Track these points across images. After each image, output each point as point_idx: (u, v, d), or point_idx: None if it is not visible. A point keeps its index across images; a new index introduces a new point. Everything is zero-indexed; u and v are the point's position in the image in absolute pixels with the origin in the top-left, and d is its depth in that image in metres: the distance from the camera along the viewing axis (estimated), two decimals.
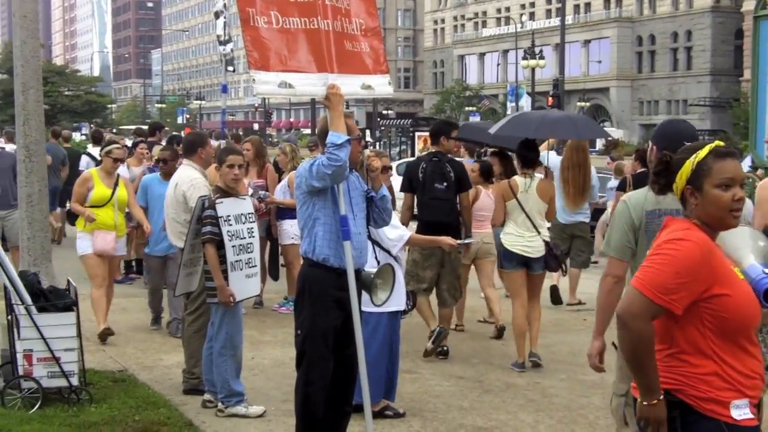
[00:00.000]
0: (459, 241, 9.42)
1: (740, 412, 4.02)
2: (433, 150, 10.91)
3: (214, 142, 11.74)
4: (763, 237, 4.46)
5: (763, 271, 4.17)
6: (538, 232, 10.43)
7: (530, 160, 10.65)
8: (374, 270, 7.20)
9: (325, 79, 6.99)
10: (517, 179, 10.58)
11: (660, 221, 5.10)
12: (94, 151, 19.16)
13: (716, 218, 4.13)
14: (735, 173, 4.13)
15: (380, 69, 7.62)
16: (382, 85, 7.58)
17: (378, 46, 7.63)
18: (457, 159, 11.62)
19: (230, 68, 15.51)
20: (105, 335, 10.95)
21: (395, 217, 8.33)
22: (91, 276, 11.16)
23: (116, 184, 11.21)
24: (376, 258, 7.80)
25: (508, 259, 10.52)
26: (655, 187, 4.36)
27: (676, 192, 4.26)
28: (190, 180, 9.17)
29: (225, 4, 15.06)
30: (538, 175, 10.75)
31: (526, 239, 10.39)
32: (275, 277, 13.79)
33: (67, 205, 16.38)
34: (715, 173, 4.11)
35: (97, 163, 14.95)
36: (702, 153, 4.15)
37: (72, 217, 12.48)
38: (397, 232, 8.33)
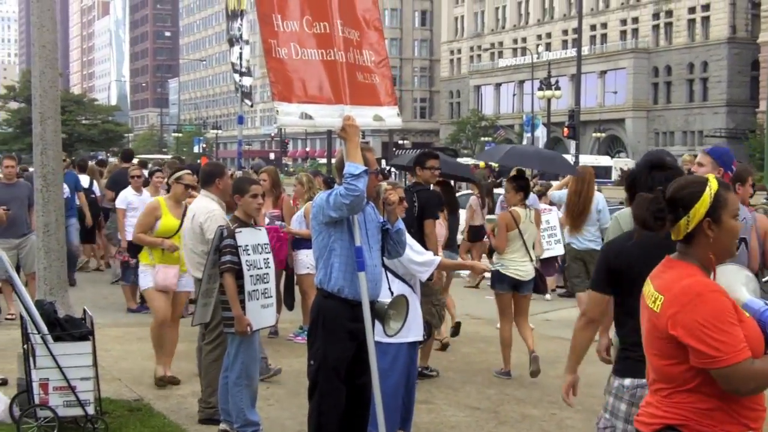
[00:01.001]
0: (491, 267, 9.65)
1: None
2: (412, 181, 11.34)
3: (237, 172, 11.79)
4: (746, 271, 4.44)
5: (765, 303, 4.15)
6: (531, 259, 11.36)
7: (526, 190, 11.77)
8: (388, 300, 7.20)
9: (341, 111, 7.03)
10: (519, 210, 11.43)
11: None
12: (83, 179, 19.60)
13: (729, 248, 4.13)
14: (738, 204, 4.21)
15: (390, 100, 7.67)
16: (391, 117, 7.63)
17: (387, 77, 7.66)
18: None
19: (247, 102, 15.49)
20: (164, 382, 10.47)
21: (416, 243, 8.36)
22: (152, 310, 10.82)
23: (184, 215, 10.17)
24: (389, 289, 7.80)
25: (500, 281, 11.36)
26: (658, 224, 4.20)
27: (682, 228, 4.15)
28: (207, 211, 9.18)
29: (241, 35, 15.07)
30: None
31: (518, 264, 11.27)
32: (290, 307, 13.78)
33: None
34: (731, 204, 4.10)
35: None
36: (714, 184, 4.12)
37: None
38: (424, 257, 8.30)
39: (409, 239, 8.25)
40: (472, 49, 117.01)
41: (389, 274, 7.94)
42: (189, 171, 10.83)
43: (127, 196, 15.50)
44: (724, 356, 3.88)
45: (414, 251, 8.16)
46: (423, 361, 11.35)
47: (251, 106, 16.18)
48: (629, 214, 5.51)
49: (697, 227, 4.12)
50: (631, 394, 5.53)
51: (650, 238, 4.69)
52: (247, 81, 15.27)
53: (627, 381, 5.53)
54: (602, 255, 5.82)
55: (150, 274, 10.43)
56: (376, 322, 7.12)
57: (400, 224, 7.34)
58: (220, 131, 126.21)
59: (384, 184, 7.59)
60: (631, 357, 5.38)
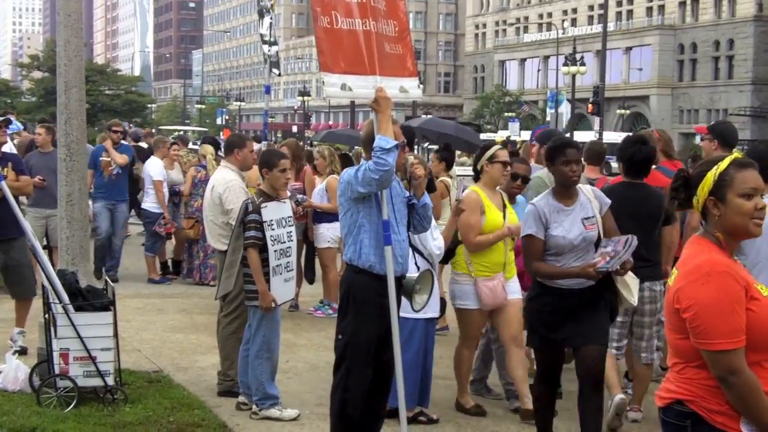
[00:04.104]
0: None
1: (750, 428, 4.01)
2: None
3: (255, 145, 11.70)
4: None
5: None
6: None
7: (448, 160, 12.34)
8: (415, 276, 7.18)
9: (375, 82, 6.96)
10: (447, 180, 11.97)
11: None
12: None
13: (739, 227, 4.16)
14: (756, 183, 4.19)
15: (413, 71, 7.61)
16: (414, 88, 7.57)
17: (409, 48, 7.60)
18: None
19: (275, 71, 15.46)
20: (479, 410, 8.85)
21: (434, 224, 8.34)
22: (464, 336, 8.85)
23: (505, 206, 8.66)
24: (416, 264, 7.78)
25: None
26: (674, 202, 4.36)
27: (696, 206, 4.28)
28: (225, 182, 9.18)
29: (272, 5, 15.03)
30: None
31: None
32: (311, 281, 13.79)
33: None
34: (738, 183, 4.15)
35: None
36: (723, 164, 4.19)
37: (446, 254, 8.69)
38: (439, 241, 8.33)
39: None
40: (497, 23, 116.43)
41: (413, 251, 7.92)
42: (501, 147, 8.94)
43: (161, 168, 15.70)
44: (712, 340, 3.97)
45: (431, 236, 8.17)
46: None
47: (279, 74, 16.15)
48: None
49: (706, 205, 4.23)
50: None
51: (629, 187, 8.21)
52: (274, 49, 15.27)
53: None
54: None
55: (470, 287, 8.54)
56: (403, 298, 7.11)
57: (426, 199, 7.29)
58: (243, 103, 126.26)
59: (411, 158, 7.55)
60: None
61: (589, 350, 7.22)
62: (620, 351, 8.62)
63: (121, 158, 15.50)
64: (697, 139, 74.49)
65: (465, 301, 8.56)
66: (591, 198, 7.40)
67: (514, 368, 8.66)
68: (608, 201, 7.47)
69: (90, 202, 14.52)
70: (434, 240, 8.22)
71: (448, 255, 8.64)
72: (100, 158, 15.48)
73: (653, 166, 8.68)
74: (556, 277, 7.26)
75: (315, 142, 25.12)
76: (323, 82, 6.90)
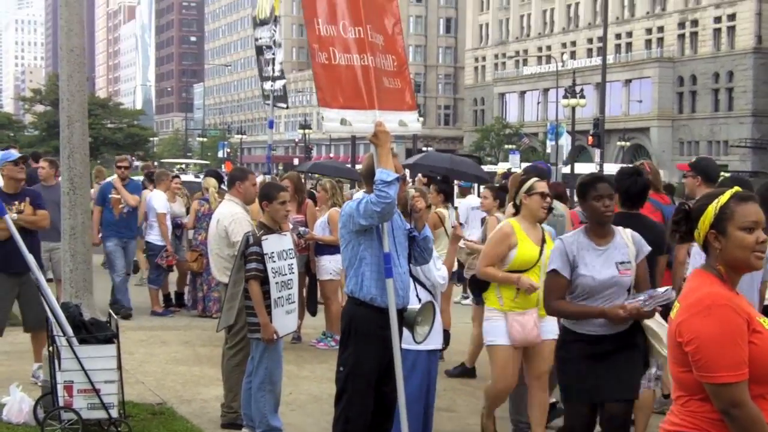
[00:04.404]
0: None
1: None
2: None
3: (259, 178, 11.77)
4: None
5: None
6: None
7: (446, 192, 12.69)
8: (417, 307, 7.22)
9: (374, 116, 7.02)
10: (443, 211, 12.33)
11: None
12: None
13: (740, 260, 4.16)
14: (758, 216, 4.17)
15: (411, 105, 7.68)
16: (413, 122, 7.63)
17: (408, 81, 7.66)
18: None
19: (282, 105, 15.57)
20: None
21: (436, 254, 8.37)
22: (495, 376, 8.35)
23: (543, 240, 8.26)
24: (417, 296, 7.81)
25: None
26: (675, 236, 4.38)
27: (697, 239, 4.27)
28: (231, 215, 9.25)
29: (275, 41, 15.12)
30: None
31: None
32: (313, 313, 13.82)
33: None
34: (739, 216, 4.15)
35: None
36: (724, 198, 4.19)
37: (478, 286, 8.53)
38: (443, 271, 8.32)
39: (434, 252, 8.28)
40: (496, 56, 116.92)
41: (415, 283, 7.96)
42: (538, 179, 8.51)
43: (164, 201, 15.75)
44: (715, 373, 3.95)
45: (434, 266, 8.18)
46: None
47: (287, 107, 16.26)
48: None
49: (707, 239, 4.23)
50: None
51: (624, 218, 7.80)
52: (279, 84, 15.34)
53: None
54: None
55: (501, 323, 8.15)
56: (405, 330, 7.15)
57: (427, 231, 7.35)
58: (244, 136, 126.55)
59: (411, 191, 7.60)
60: None
61: (613, 408, 6.76)
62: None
63: (133, 200, 15.38)
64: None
65: (494, 337, 8.14)
66: (629, 242, 6.95)
67: (531, 408, 8.36)
68: (648, 249, 7.05)
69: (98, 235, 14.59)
70: (437, 270, 8.24)
71: (481, 289, 8.35)
72: (110, 195, 15.36)
73: None
74: (577, 316, 6.77)
75: (312, 174, 25.10)
76: (323, 117, 6.97)
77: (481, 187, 15.26)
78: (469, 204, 16.79)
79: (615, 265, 6.76)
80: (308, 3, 7.01)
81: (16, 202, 10.27)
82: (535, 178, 8.33)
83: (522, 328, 7.98)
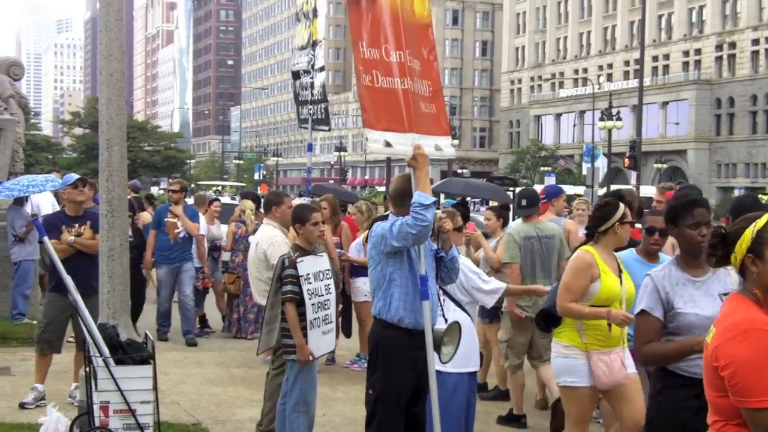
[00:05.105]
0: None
1: None
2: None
3: (298, 200, 11.81)
4: None
5: None
6: None
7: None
8: (443, 328, 7.22)
9: (413, 139, 7.04)
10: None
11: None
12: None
13: None
14: None
15: (446, 130, 7.71)
16: (447, 146, 7.65)
17: (442, 107, 7.70)
18: None
19: (324, 127, 15.68)
20: None
21: (481, 271, 8.39)
22: (572, 419, 7.54)
23: (621, 271, 7.53)
24: (443, 316, 7.76)
25: None
26: (712, 260, 4.35)
27: (734, 263, 4.23)
28: (269, 238, 9.33)
29: (314, 65, 15.23)
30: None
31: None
32: (348, 334, 13.85)
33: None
34: None
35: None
36: (761, 221, 4.14)
37: (548, 320, 7.70)
38: (491, 285, 8.26)
39: (475, 267, 8.29)
40: (532, 79, 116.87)
41: (450, 302, 7.96)
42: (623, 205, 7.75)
43: (203, 224, 15.79)
44: (751, 398, 3.90)
45: (481, 279, 8.15)
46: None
47: (329, 130, 16.38)
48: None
49: (744, 263, 4.18)
50: None
51: None
52: (321, 107, 15.45)
53: None
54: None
55: (584, 362, 7.38)
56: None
57: (455, 252, 7.38)
58: (280, 158, 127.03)
59: (438, 212, 7.63)
60: None
61: None
62: None
63: (194, 228, 15.18)
64: (736, 193, 74.18)
65: (574, 378, 7.33)
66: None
67: None
68: None
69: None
70: (485, 282, 8.18)
71: (553, 323, 7.64)
72: (166, 219, 15.20)
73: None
74: (673, 357, 5.68)
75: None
76: (367, 138, 7.01)
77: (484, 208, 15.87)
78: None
79: (719, 297, 5.72)
80: (354, 25, 7.07)
81: (76, 225, 10.43)
82: (623, 206, 7.61)
83: (608, 369, 7.22)
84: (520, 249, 10.62)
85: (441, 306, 7.74)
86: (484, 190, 19.25)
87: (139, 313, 14.39)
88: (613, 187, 56.39)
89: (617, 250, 7.67)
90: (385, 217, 11.02)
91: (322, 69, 15.51)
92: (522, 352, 10.73)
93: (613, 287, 7.25)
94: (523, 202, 10.94)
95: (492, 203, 18.39)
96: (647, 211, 9.24)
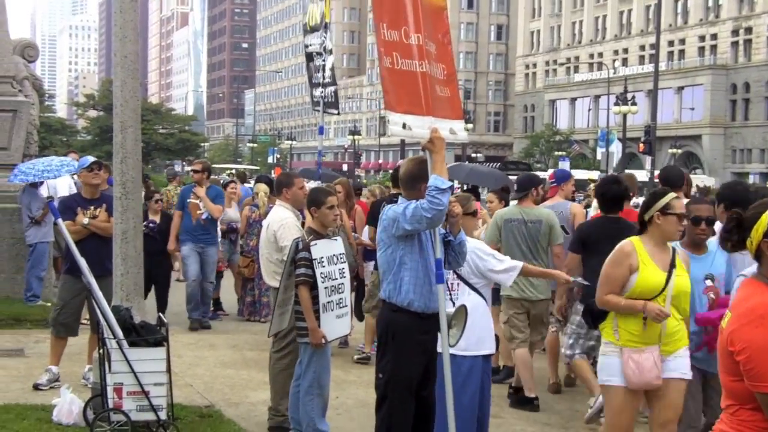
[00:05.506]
0: (573, 279, 9.07)
1: None
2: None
3: (311, 184, 11.77)
4: None
5: None
6: None
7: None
8: (451, 311, 7.19)
9: (430, 123, 7.00)
10: None
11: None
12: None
13: None
14: None
15: (460, 115, 7.69)
16: (461, 131, 7.62)
17: (456, 91, 7.67)
18: None
19: (333, 111, 15.63)
20: None
21: (497, 252, 8.39)
22: (609, 421, 7.22)
23: (672, 264, 7.02)
24: (451, 299, 7.72)
25: None
26: (728, 244, 4.34)
27: (750, 248, 4.22)
28: (280, 220, 9.30)
29: (325, 48, 15.18)
30: None
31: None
32: (360, 318, 13.85)
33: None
34: None
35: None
36: None
37: (593, 315, 7.37)
38: (505, 264, 8.24)
39: (489, 249, 8.26)
40: (547, 63, 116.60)
41: (464, 286, 7.95)
42: (677, 196, 7.25)
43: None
44: (766, 383, 3.91)
45: (496, 259, 8.13)
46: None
47: (338, 113, 16.31)
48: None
49: (760, 247, 4.18)
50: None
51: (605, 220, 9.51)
52: (330, 90, 15.38)
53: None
54: (577, 230, 9.86)
55: (617, 360, 7.04)
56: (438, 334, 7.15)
57: (463, 236, 7.36)
58: (294, 142, 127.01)
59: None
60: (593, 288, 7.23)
61: None
62: (581, 355, 9.98)
63: (217, 210, 14.98)
64: (751, 179, 73.96)
65: (608, 377, 7.06)
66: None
67: None
68: None
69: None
70: (500, 261, 8.17)
71: (596, 319, 7.33)
72: (188, 200, 15.09)
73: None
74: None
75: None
76: (388, 120, 6.98)
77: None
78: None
79: None
80: (376, 6, 7.05)
81: (92, 207, 10.45)
82: (673, 194, 7.16)
83: (638, 368, 6.87)
84: (500, 231, 10.86)
85: (449, 290, 7.73)
86: (487, 177, 19.44)
87: (165, 304, 14.39)
88: (627, 173, 56.27)
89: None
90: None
91: (330, 52, 15.44)
92: (521, 327, 10.77)
93: (651, 281, 6.89)
94: (515, 187, 11.41)
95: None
96: (690, 199, 9.16)
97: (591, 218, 10.32)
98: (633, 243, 7.01)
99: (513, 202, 11.81)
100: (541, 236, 10.80)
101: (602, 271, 7.14)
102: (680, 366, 6.94)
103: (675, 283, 6.90)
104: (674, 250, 7.09)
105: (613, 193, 9.67)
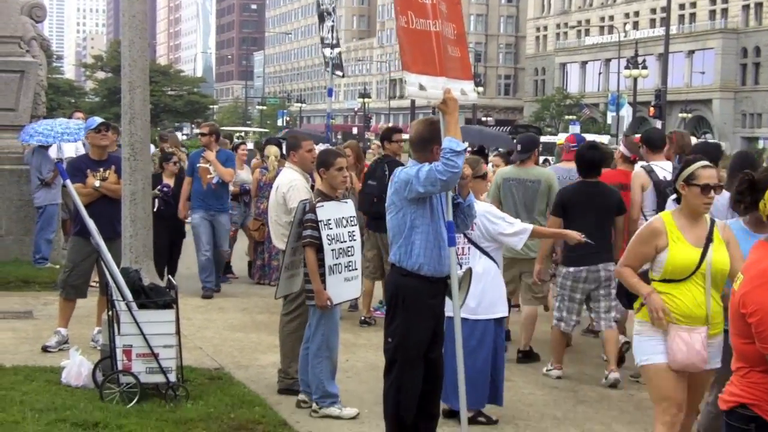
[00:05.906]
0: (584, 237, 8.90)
1: None
2: (383, 153, 12.69)
3: (320, 147, 11.69)
4: None
5: None
6: None
7: None
8: (459, 273, 7.16)
9: (443, 83, 6.94)
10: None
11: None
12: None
13: None
14: None
15: (469, 75, 7.63)
16: (471, 91, 7.56)
17: (465, 52, 7.60)
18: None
19: (338, 73, 15.55)
20: None
21: (507, 215, 8.39)
22: (656, 403, 6.63)
23: (710, 239, 6.43)
24: (459, 263, 7.68)
25: None
26: (740, 206, 4.31)
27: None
28: (289, 182, 9.25)
29: (333, 8, 15.11)
30: None
31: None
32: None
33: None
34: None
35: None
36: None
37: (626, 293, 6.84)
38: (515, 227, 8.21)
39: (500, 212, 8.24)
40: (558, 26, 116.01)
41: (475, 249, 7.91)
42: (704, 164, 6.44)
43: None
44: None
45: (506, 222, 8.11)
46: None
47: (342, 76, 16.30)
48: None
49: None
50: (574, 277, 9.79)
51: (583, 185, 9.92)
52: (336, 51, 15.30)
53: (571, 269, 9.79)
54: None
55: (660, 340, 6.47)
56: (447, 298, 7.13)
57: (472, 199, 7.32)
58: (304, 105, 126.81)
59: None
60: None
61: None
62: (576, 324, 10.32)
63: (228, 174, 14.52)
64: (761, 143, 73.74)
65: (648, 355, 6.50)
66: None
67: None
68: None
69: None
70: (511, 224, 8.15)
71: (630, 297, 6.80)
72: (198, 165, 14.56)
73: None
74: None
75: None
76: (405, 81, 6.90)
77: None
78: None
79: None
80: None
81: (101, 169, 10.40)
82: (700, 164, 6.48)
83: (687, 347, 6.28)
84: (499, 189, 11.18)
85: (458, 254, 7.70)
86: (495, 139, 20.25)
87: (176, 268, 14.38)
88: (637, 137, 56.06)
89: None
90: (381, 161, 11.90)
91: (334, 12, 15.40)
92: (512, 289, 10.83)
93: (684, 258, 6.31)
94: (518, 147, 11.62)
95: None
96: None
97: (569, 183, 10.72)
98: (663, 219, 6.49)
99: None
100: (538, 195, 10.98)
101: (629, 243, 6.75)
102: (714, 355, 6.44)
103: (713, 259, 6.31)
104: (713, 222, 6.49)
105: (589, 157, 10.01)
